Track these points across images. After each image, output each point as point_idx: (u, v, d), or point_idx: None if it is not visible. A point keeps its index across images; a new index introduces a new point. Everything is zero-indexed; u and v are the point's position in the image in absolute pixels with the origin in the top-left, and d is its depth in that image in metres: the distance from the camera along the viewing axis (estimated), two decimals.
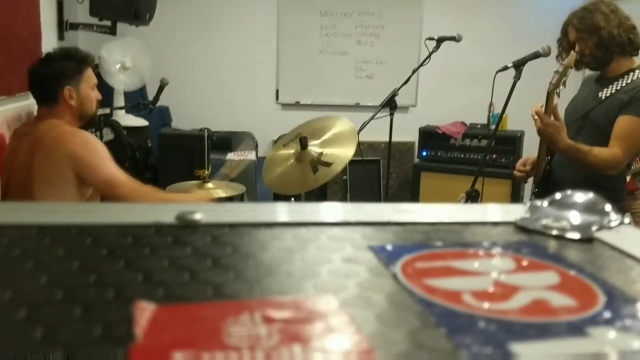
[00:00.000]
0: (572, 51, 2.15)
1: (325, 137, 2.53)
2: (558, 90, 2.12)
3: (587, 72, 2.42)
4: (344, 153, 2.46)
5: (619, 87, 2.20)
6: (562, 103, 2.24)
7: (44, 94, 2.16)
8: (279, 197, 4.48)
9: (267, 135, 4.83)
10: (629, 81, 2.19)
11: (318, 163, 2.39)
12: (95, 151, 2.06)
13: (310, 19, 4.92)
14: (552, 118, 2.12)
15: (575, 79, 2.30)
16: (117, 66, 3.48)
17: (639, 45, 2.22)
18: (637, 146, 2.17)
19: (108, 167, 2.05)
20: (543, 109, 2.13)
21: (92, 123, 2.52)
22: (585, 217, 0.66)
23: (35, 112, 2.76)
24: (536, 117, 2.13)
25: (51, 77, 2.13)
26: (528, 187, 2.74)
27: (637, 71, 2.21)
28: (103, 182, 2.02)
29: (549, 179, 2.33)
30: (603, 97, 2.22)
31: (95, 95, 2.25)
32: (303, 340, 0.38)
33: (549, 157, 2.34)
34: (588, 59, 2.25)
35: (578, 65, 2.29)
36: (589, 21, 2.20)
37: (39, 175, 2.03)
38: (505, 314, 0.43)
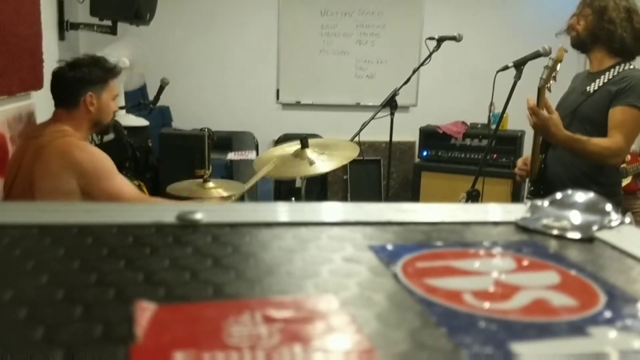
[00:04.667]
0: (561, 45, 2.17)
1: (327, 146, 2.54)
2: (549, 85, 2.15)
3: (577, 70, 2.44)
4: (344, 154, 2.47)
5: (605, 80, 2.23)
6: (553, 100, 2.26)
7: (65, 97, 2.15)
8: (279, 197, 4.49)
9: (267, 135, 4.83)
10: (615, 74, 2.23)
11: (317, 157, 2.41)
12: (101, 165, 2.05)
13: (310, 18, 4.92)
14: (546, 112, 2.14)
15: (566, 77, 2.31)
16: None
17: (633, 51, 2.23)
18: (634, 133, 2.20)
19: (114, 181, 2.04)
20: (535, 104, 2.15)
21: (106, 131, 2.52)
22: (586, 217, 0.66)
23: (35, 112, 2.77)
24: (530, 112, 2.15)
25: (76, 81, 2.13)
26: (527, 185, 2.74)
27: (621, 65, 2.25)
28: (108, 197, 2.01)
29: (545, 177, 2.35)
30: (591, 91, 2.25)
31: (114, 106, 2.26)
32: (304, 339, 0.38)
33: (542, 155, 2.36)
34: (573, 35, 2.31)
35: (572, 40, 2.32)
36: (600, 6, 2.22)
37: (39, 183, 2.02)
38: (506, 313, 0.43)
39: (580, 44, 2.30)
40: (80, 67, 2.17)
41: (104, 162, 2.07)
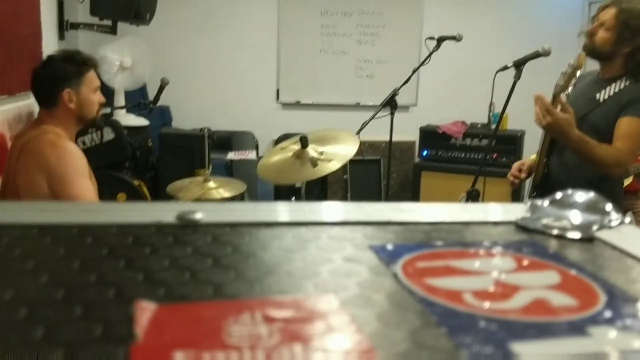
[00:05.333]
0: (581, 51, 2.11)
1: (327, 140, 2.52)
2: (567, 92, 2.10)
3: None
4: (344, 152, 2.45)
5: (616, 90, 2.17)
6: None
7: (43, 97, 2.13)
8: (279, 197, 4.49)
9: (267, 135, 4.83)
10: (626, 83, 2.17)
11: (318, 160, 2.38)
12: (69, 166, 2.00)
13: (310, 18, 4.92)
14: (561, 110, 2.09)
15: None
16: (116, 65, 3.49)
17: None
18: (638, 145, 2.16)
19: (76, 186, 1.99)
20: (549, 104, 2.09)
21: (94, 125, 2.48)
22: (586, 217, 0.66)
23: (35, 112, 2.77)
24: (544, 112, 2.08)
25: (51, 79, 2.10)
26: (528, 187, 2.74)
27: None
28: (68, 200, 1.96)
29: (547, 182, 2.32)
30: (601, 100, 2.19)
31: (98, 98, 2.22)
32: (304, 339, 0.38)
33: (545, 160, 2.33)
34: (590, 45, 2.20)
35: (587, 50, 2.22)
36: (631, 20, 2.11)
37: (21, 181, 2.01)
38: (506, 313, 0.43)
39: (600, 56, 2.22)
40: (53, 64, 2.14)
41: (74, 162, 2.02)
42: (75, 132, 2.21)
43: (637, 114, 2.10)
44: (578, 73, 2.07)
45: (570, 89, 2.11)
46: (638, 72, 2.17)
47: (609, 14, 2.17)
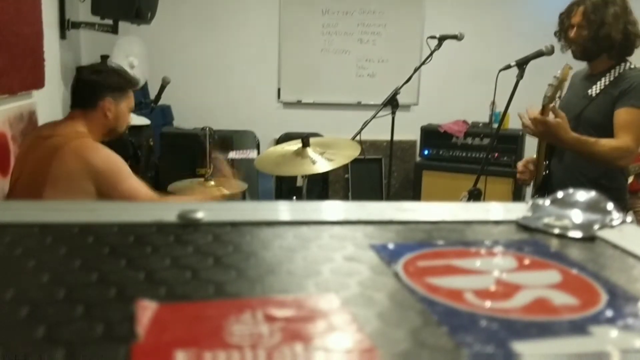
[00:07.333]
0: (566, 64, 2.14)
1: (328, 145, 2.54)
2: (553, 104, 2.13)
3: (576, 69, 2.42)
4: (345, 154, 2.47)
5: (607, 82, 2.21)
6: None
7: (84, 98, 2.17)
8: (280, 196, 4.49)
9: (268, 134, 4.83)
10: (616, 75, 2.21)
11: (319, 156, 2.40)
12: (116, 167, 2.07)
13: (311, 17, 4.91)
14: (553, 116, 2.12)
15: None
16: (128, 65, 3.49)
17: (631, 52, 2.21)
18: None
19: (128, 182, 2.06)
20: (538, 114, 2.12)
21: (117, 141, 2.53)
22: (587, 216, 0.66)
23: (37, 112, 2.78)
24: (534, 122, 2.12)
25: (98, 83, 2.16)
26: (530, 186, 2.73)
27: (621, 65, 2.23)
28: (124, 199, 2.03)
29: (549, 183, 2.33)
30: (593, 95, 2.23)
31: (129, 117, 2.29)
32: (305, 338, 0.38)
33: (546, 162, 2.34)
34: (577, 48, 2.27)
35: (571, 49, 2.29)
36: (600, 14, 2.17)
37: (53, 182, 2.02)
38: (507, 312, 0.43)
39: (585, 55, 2.27)
40: (105, 71, 2.22)
41: (118, 163, 2.09)
42: (100, 140, 2.23)
43: (632, 104, 2.13)
44: (565, 85, 2.11)
45: (557, 100, 2.14)
46: (620, 56, 2.21)
47: (578, 13, 2.24)
